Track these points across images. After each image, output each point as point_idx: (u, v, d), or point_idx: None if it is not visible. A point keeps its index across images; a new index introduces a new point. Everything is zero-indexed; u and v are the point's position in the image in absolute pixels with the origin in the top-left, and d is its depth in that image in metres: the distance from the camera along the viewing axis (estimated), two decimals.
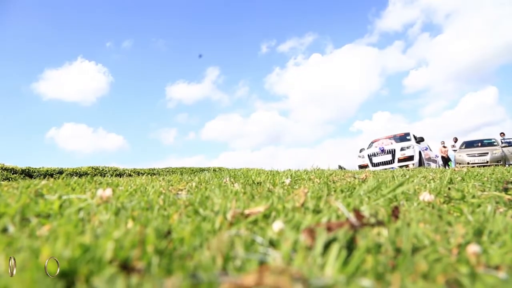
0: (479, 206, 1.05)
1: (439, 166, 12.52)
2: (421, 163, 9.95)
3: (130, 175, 8.21)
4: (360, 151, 11.52)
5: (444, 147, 14.40)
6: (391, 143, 10.64)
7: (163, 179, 2.03)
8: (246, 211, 0.67)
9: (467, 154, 11.57)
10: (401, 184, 0.92)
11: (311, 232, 0.46)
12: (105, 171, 8.06)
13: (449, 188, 1.32)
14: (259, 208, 0.67)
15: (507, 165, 11.49)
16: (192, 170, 9.30)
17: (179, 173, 8.66)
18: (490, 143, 11.91)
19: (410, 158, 9.68)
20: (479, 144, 12.19)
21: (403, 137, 11.14)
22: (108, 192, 0.88)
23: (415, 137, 11.02)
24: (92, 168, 7.90)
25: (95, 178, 1.75)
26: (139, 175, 8.35)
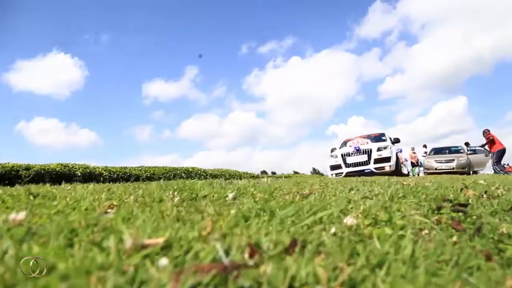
0: (402, 228, 1.08)
1: (407, 171, 12.90)
2: (397, 165, 9.29)
3: (101, 174, 8.00)
4: (332, 150, 10.58)
5: (414, 153, 14.90)
6: (367, 143, 9.75)
7: (108, 190, 1.98)
8: (146, 241, 0.66)
9: (435, 160, 12.00)
10: (320, 210, 0.93)
11: (178, 276, 0.45)
12: (75, 168, 7.83)
13: (386, 208, 1.35)
14: (158, 240, 0.65)
15: (471, 172, 12.02)
16: (165, 169, 9.17)
17: (141, 179, 8.51)
18: (457, 151, 12.41)
19: (387, 159, 8.92)
20: (447, 151, 12.67)
21: (378, 138, 10.46)
22: (21, 215, 0.85)
23: (390, 139, 10.42)
24: (62, 165, 7.64)
25: (33, 190, 1.67)
26: (110, 173, 8.15)
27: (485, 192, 1.80)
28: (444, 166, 11.68)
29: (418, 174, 13.67)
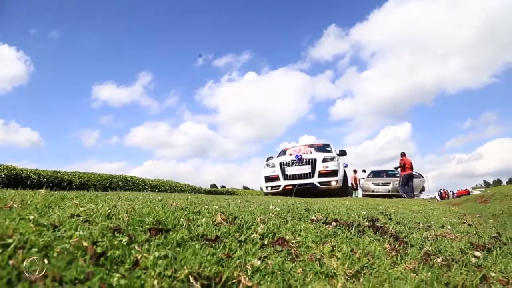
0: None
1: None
2: (344, 181, 8.84)
3: (28, 177, 8.44)
4: (268, 159, 9.84)
5: (355, 175, 16.68)
6: (310, 152, 9.03)
7: None
8: None
9: (373, 183, 13.78)
10: None
11: None
12: None
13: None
14: None
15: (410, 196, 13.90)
16: (101, 176, 9.77)
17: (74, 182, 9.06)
18: (393, 174, 14.30)
19: (334, 173, 8.28)
20: (384, 175, 14.54)
21: (323, 148, 9.92)
22: None
23: (336, 150, 9.85)
24: None
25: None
26: (40, 177, 8.63)
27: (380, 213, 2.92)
28: (381, 189, 13.47)
29: (357, 196, 15.42)
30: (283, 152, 9.93)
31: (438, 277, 1.40)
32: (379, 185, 13.68)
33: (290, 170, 8.51)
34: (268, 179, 8.87)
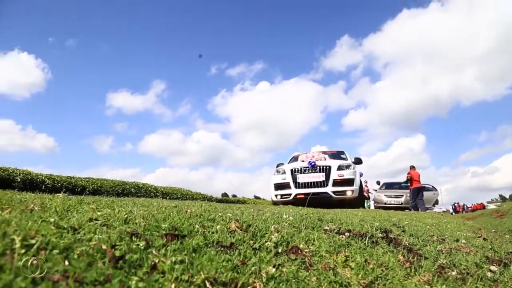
0: None
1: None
2: (360, 191, 8.35)
3: (43, 181, 8.61)
4: (278, 165, 9.33)
5: (366, 186, 16.51)
6: (324, 159, 8.41)
7: None
8: None
9: (385, 195, 13.62)
10: None
11: None
12: (15, 174, 8.24)
13: None
14: None
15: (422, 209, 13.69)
16: (114, 183, 9.90)
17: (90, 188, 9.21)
18: (406, 187, 14.10)
19: (349, 182, 7.74)
20: (397, 187, 14.34)
21: (337, 156, 9.40)
22: None
23: (351, 158, 9.31)
24: (1, 169, 8.08)
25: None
26: (54, 182, 8.79)
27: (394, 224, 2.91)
28: (393, 201, 13.30)
29: (369, 207, 15.24)
30: (295, 159, 9.25)
31: None
32: (391, 197, 13.51)
33: (302, 178, 7.90)
34: (278, 186, 8.26)
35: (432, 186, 14.17)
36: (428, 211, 12.76)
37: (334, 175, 7.74)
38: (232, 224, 1.50)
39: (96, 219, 1.31)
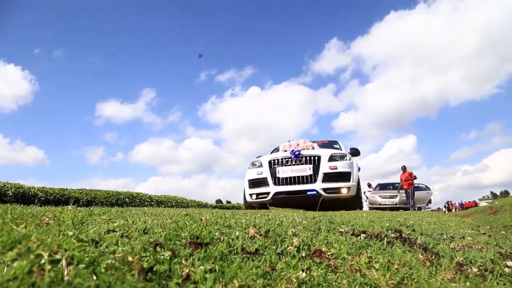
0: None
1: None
2: (358, 190, 6.54)
3: (35, 195, 8.46)
4: (258, 157, 7.11)
5: None
6: (313, 148, 6.80)
7: None
8: None
9: (380, 196, 13.70)
10: None
11: None
12: (6, 187, 8.15)
13: None
14: None
15: (414, 208, 13.81)
16: (108, 193, 9.77)
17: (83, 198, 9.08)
18: (400, 187, 14.23)
19: (345, 176, 6.09)
20: (391, 187, 14.45)
21: (328, 145, 7.67)
22: None
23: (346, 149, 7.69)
24: None
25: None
26: (47, 195, 8.64)
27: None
28: (388, 201, 13.38)
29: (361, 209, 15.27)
30: (277, 150, 7.57)
31: (476, 286, 1.38)
32: (386, 197, 13.60)
33: (283, 172, 6.16)
34: (253, 183, 6.53)
35: (426, 186, 14.33)
36: (423, 210, 12.90)
37: (325, 167, 6.03)
38: (251, 230, 1.47)
39: (114, 231, 1.27)
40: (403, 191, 12.36)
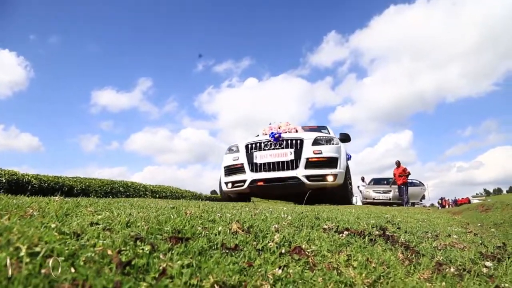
0: None
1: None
2: (346, 179, 5.94)
3: (29, 182, 8.46)
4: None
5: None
6: (296, 131, 6.39)
7: None
8: None
9: (373, 191, 13.81)
10: None
11: None
12: (0, 174, 8.17)
13: None
14: None
15: (408, 204, 13.93)
16: (102, 182, 9.78)
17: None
18: (394, 182, 14.33)
19: (331, 162, 5.55)
20: (385, 182, 14.56)
21: (317, 131, 7.36)
22: None
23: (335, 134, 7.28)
24: None
25: None
26: (41, 182, 8.64)
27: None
28: (381, 196, 13.50)
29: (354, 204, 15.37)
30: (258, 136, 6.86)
31: (452, 287, 1.41)
32: (380, 192, 13.71)
33: (261, 157, 5.63)
34: (229, 170, 6.04)
35: (419, 182, 14.44)
36: (416, 206, 13.02)
37: (308, 152, 5.53)
38: (234, 225, 1.49)
39: (97, 223, 1.29)
40: (396, 186, 12.44)
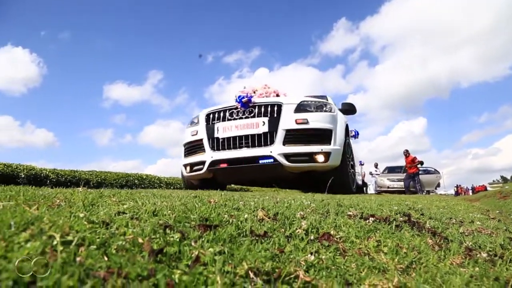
0: None
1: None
2: (346, 159, 4.43)
3: (47, 176, 8.61)
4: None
5: (361, 165, 16.30)
6: (276, 95, 4.86)
7: None
8: None
9: (388, 179, 13.69)
10: None
11: None
12: (19, 169, 8.29)
13: None
14: None
15: (424, 192, 13.77)
16: (117, 175, 9.90)
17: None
18: (405, 170, 14.16)
19: (322, 135, 4.14)
20: (399, 170, 14.39)
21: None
22: None
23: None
24: (4, 165, 8.06)
25: None
26: (58, 176, 8.79)
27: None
28: (396, 184, 13.37)
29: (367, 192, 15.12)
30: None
31: (485, 272, 1.37)
32: (394, 181, 13.59)
33: (224, 129, 4.22)
34: (188, 149, 4.72)
35: (435, 169, 14.24)
36: (431, 193, 12.86)
37: (289, 121, 4.03)
38: (259, 213, 1.47)
39: (124, 212, 1.28)
40: (407, 175, 12.28)
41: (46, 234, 0.90)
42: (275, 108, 4.16)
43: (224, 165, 4.24)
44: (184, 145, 4.87)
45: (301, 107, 4.21)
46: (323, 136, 4.15)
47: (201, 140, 4.46)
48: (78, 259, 0.82)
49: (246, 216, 1.41)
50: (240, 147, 4.16)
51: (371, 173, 14.97)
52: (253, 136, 4.11)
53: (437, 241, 1.64)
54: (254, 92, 4.76)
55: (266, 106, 4.23)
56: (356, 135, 6.71)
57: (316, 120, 4.13)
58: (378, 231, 1.56)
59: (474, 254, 1.57)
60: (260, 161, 4.02)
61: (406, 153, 12.14)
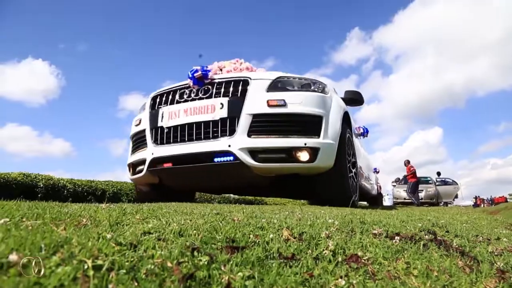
0: None
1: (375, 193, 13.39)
2: (342, 158, 3.13)
3: (64, 186, 8.74)
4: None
5: (376, 175, 16.07)
6: (240, 69, 3.61)
7: None
8: None
9: (404, 190, 13.40)
10: None
11: None
12: (37, 179, 8.43)
13: None
14: None
15: (441, 203, 13.49)
16: (133, 185, 10.01)
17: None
18: (426, 181, 13.92)
19: (306, 124, 2.91)
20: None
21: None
22: None
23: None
24: (23, 174, 8.25)
25: None
26: (75, 186, 8.91)
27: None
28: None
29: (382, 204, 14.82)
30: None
31: None
32: None
33: (170, 116, 3.15)
34: (133, 144, 3.71)
35: (452, 180, 13.94)
36: (449, 205, 12.57)
37: (258, 103, 2.91)
38: (284, 232, 1.45)
39: (149, 233, 1.28)
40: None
41: (76, 259, 0.90)
42: (240, 86, 3.00)
43: (168, 165, 3.16)
44: (130, 138, 3.78)
45: (278, 84, 3.02)
46: (308, 124, 2.96)
47: (144, 131, 3.41)
48: (110, 286, 0.81)
49: (271, 236, 1.39)
50: (190, 140, 3.04)
51: (394, 185, 14.73)
52: (206, 123, 2.99)
53: (467, 262, 1.58)
54: (221, 70, 3.59)
55: (227, 83, 3.08)
56: (365, 133, 5.79)
57: (298, 103, 2.92)
58: (405, 251, 1.51)
59: (508, 277, 1.51)
60: (215, 160, 2.92)
61: (405, 164, 11.99)
